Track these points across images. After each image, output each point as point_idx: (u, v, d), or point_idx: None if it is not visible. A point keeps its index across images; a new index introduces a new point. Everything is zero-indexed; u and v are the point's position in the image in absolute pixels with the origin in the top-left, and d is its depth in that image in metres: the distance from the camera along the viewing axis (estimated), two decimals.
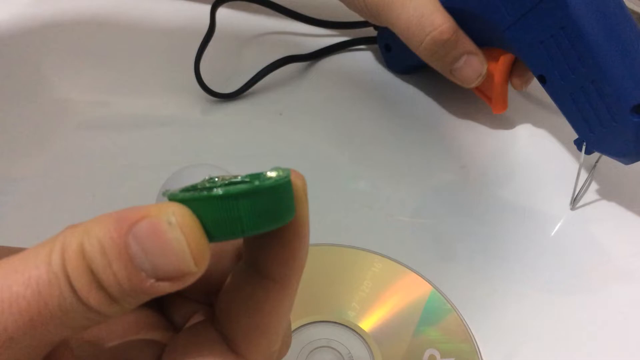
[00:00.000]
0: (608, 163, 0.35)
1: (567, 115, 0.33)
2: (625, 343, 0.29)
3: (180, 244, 0.14)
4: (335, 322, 0.27)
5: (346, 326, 0.27)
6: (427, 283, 0.30)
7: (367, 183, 0.36)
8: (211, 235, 0.15)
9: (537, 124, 0.40)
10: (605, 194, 0.36)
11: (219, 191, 0.14)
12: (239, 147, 0.38)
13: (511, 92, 0.39)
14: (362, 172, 0.37)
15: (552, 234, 0.34)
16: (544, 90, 0.34)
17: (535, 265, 0.32)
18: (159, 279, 0.14)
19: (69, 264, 0.13)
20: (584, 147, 0.33)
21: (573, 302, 0.30)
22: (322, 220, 0.32)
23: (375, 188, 0.36)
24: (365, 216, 0.34)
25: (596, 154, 0.35)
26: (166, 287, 0.14)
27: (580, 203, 0.35)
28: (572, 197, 0.34)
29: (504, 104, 0.38)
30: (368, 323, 0.28)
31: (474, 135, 0.40)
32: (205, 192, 0.14)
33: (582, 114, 0.32)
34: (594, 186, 0.36)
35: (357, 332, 0.27)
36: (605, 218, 0.34)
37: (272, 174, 0.16)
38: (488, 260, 0.32)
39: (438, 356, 0.27)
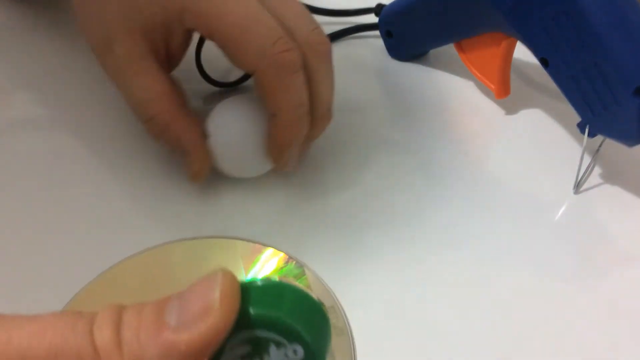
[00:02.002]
0: (611, 147, 0.35)
1: (570, 99, 0.33)
2: (631, 327, 0.28)
3: None
4: None
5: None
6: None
7: (368, 170, 0.36)
8: None
9: (540, 108, 0.40)
10: (609, 177, 0.35)
11: None
12: None
13: (513, 78, 0.39)
14: (363, 160, 0.36)
15: (556, 218, 0.34)
16: (546, 75, 0.34)
17: (539, 250, 0.32)
18: None
19: None
20: (587, 131, 0.33)
21: (578, 286, 0.30)
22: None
23: (378, 176, 0.35)
24: (370, 205, 0.34)
25: (599, 138, 0.35)
26: None
27: (584, 187, 0.35)
28: (576, 181, 0.34)
29: (506, 89, 0.38)
30: None
31: (476, 121, 0.40)
32: None
33: (585, 96, 0.32)
34: (597, 170, 0.36)
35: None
36: (609, 202, 0.34)
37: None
38: (491, 247, 0.32)
39: None
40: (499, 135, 0.39)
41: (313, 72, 0.29)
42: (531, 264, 0.31)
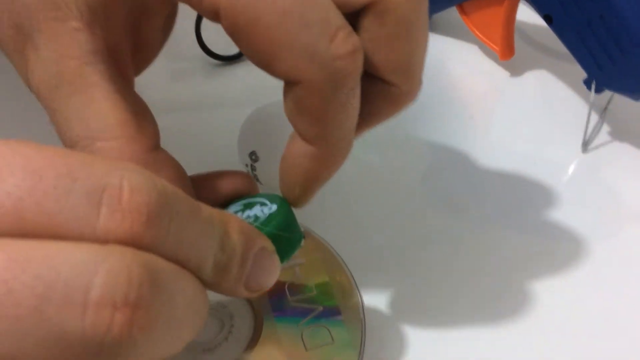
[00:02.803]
0: (619, 104, 0.34)
1: (575, 54, 0.32)
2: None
3: (276, 271, 0.17)
4: None
5: None
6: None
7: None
8: None
9: (545, 69, 0.39)
10: (618, 135, 0.35)
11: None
12: (246, 108, 0.37)
13: (517, 39, 0.38)
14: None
15: (565, 178, 0.33)
16: (550, 36, 0.33)
17: (548, 210, 0.31)
18: (247, 288, 0.16)
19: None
20: (593, 87, 0.32)
21: (590, 246, 0.30)
22: None
23: (382, 141, 0.35)
24: (374, 169, 0.34)
25: (607, 96, 0.34)
26: (243, 295, 0.16)
27: (593, 145, 0.34)
28: (584, 139, 0.34)
29: (510, 49, 0.37)
30: None
31: (482, 84, 0.39)
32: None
33: (591, 51, 0.31)
34: (605, 128, 0.35)
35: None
36: (618, 159, 0.34)
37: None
38: (499, 208, 0.31)
39: None
40: (505, 97, 0.38)
41: (395, 28, 0.18)
42: (540, 224, 0.31)
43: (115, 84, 0.18)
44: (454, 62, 0.40)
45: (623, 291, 0.28)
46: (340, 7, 0.16)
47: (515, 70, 0.39)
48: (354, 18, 0.17)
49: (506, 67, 0.39)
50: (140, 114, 0.18)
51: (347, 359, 0.24)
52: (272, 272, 0.17)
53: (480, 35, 0.38)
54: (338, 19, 0.16)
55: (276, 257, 0.17)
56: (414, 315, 0.26)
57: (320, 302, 0.26)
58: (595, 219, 0.31)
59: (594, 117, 0.35)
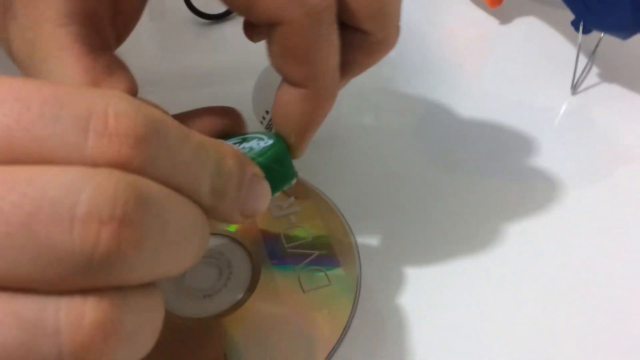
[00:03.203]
0: (608, 46, 0.34)
1: None
2: (637, 227, 0.29)
3: (267, 198, 0.17)
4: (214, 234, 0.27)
5: (226, 236, 0.27)
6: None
7: (362, 85, 0.36)
8: None
9: (534, 15, 0.39)
10: (607, 76, 0.35)
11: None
12: (237, 67, 0.37)
13: None
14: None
15: (555, 120, 0.33)
16: None
17: (540, 155, 0.32)
18: (242, 213, 0.16)
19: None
20: (581, 27, 0.32)
21: (582, 188, 0.30)
22: None
23: (363, 94, 0.35)
24: (364, 119, 0.34)
25: (596, 38, 0.34)
26: (238, 220, 0.16)
27: (582, 87, 0.35)
28: (572, 81, 0.34)
29: None
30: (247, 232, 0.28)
31: (471, 32, 0.39)
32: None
33: None
34: (595, 70, 0.35)
35: (236, 241, 0.27)
36: (607, 100, 0.34)
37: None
38: (491, 156, 0.32)
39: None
40: (495, 45, 0.38)
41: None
42: (532, 168, 0.31)
43: (89, 46, 0.18)
44: (444, 12, 0.40)
45: (613, 232, 0.28)
46: None
47: (505, 18, 0.39)
48: None
49: (495, 15, 0.39)
50: (115, 75, 0.18)
51: (344, 299, 0.25)
52: (265, 198, 0.17)
53: None
54: None
55: (267, 184, 0.17)
56: (407, 258, 0.27)
57: (316, 248, 0.27)
58: (585, 159, 0.32)
59: (583, 60, 0.35)
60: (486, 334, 0.24)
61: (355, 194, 0.30)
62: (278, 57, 0.19)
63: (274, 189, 0.19)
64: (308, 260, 0.26)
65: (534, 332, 0.24)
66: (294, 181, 0.21)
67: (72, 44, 0.17)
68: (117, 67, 0.19)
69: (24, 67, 0.18)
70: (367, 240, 0.28)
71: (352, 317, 0.25)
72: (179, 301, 0.25)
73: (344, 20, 0.19)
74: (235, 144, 0.21)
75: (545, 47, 0.37)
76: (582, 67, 0.35)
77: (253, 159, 0.19)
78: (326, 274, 0.26)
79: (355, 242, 0.27)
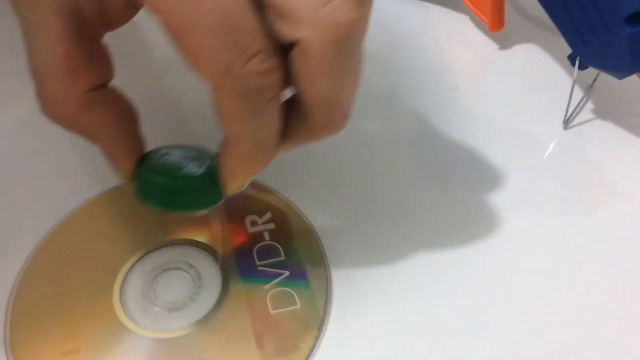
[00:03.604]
0: (606, 83, 0.34)
1: (561, 28, 0.32)
2: (620, 263, 0.28)
3: None
4: (182, 244, 0.28)
5: (197, 247, 0.27)
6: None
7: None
8: None
9: (534, 42, 0.38)
10: (602, 114, 0.35)
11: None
12: None
13: (509, 10, 0.38)
14: None
15: (545, 154, 0.33)
16: (541, 8, 0.32)
17: (527, 186, 0.31)
18: None
19: None
20: (577, 63, 0.32)
21: (567, 222, 0.30)
22: None
23: (363, 109, 0.35)
24: (351, 135, 0.34)
25: (593, 73, 0.34)
26: None
27: (575, 123, 0.34)
28: (565, 115, 0.34)
29: (500, 21, 0.37)
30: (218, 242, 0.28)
31: (469, 55, 0.39)
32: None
33: (576, 26, 0.31)
34: (590, 106, 0.35)
35: (208, 253, 0.27)
36: (600, 138, 0.34)
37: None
38: (480, 182, 0.31)
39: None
40: (492, 69, 0.38)
41: (315, 67, 0.19)
42: (518, 198, 0.31)
43: (74, 35, 0.21)
44: (443, 32, 0.39)
45: (596, 270, 0.28)
46: (273, 37, 0.18)
47: (504, 43, 0.38)
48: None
49: (495, 39, 0.38)
50: (93, 64, 0.21)
51: (310, 322, 0.25)
52: None
53: (470, 5, 0.38)
54: (260, 45, 0.18)
55: None
56: (381, 286, 0.27)
57: (287, 267, 0.27)
58: (572, 195, 0.31)
59: (579, 94, 0.35)
60: (460, 347, 0.24)
61: (333, 211, 0.29)
62: (215, 110, 0.19)
63: (199, 205, 0.22)
64: (279, 279, 0.26)
65: (510, 331, 0.24)
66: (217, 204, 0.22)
67: (59, 31, 0.20)
68: (98, 57, 0.22)
69: (22, 30, 0.21)
70: (341, 263, 0.27)
71: (320, 339, 0.25)
72: (143, 314, 0.25)
73: (295, 95, 0.20)
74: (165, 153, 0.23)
75: (542, 77, 0.37)
76: (577, 101, 0.34)
77: (192, 172, 0.22)
78: (295, 295, 0.26)
79: (328, 265, 0.27)
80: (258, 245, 0.27)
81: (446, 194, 0.31)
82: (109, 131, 0.22)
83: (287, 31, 0.18)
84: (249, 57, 0.18)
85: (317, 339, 0.25)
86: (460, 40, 0.39)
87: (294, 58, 0.19)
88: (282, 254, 0.27)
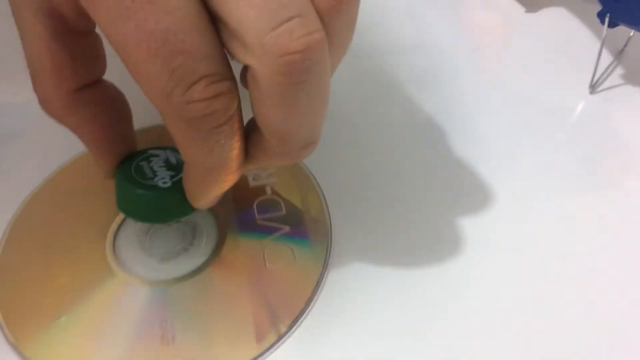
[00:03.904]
0: (636, 48, 0.32)
1: None
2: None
3: None
4: None
5: None
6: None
7: (379, 69, 0.34)
8: None
9: (563, 6, 0.36)
10: (631, 79, 0.32)
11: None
12: None
13: None
14: (372, 59, 0.34)
15: (571, 119, 0.31)
16: None
17: (549, 152, 0.29)
18: None
19: None
20: (607, 20, 0.30)
21: (591, 191, 0.28)
22: None
23: (386, 77, 0.33)
24: (376, 105, 0.32)
25: (623, 37, 0.32)
26: None
27: (603, 87, 0.32)
28: (592, 79, 0.32)
29: None
30: None
31: (495, 18, 0.37)
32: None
33: None
34: (619, 71, 0.33)
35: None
36: (627, 103, 0.32)
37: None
38: (501, 146, 0.30)
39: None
40: (516, 32, 0.36)
41: (263, 96, 0.17)
42: (538, 165, 0.29)
43: (56, 33, 0.20)
44: None
45: (619, 240, 0.26)
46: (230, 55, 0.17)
47: (531, 5, 0.36)
48: None
49: (522, 1, 0.37)
50: (78, 58, 0.21)
51: (307, 279, 0.24)
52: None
53: None
54: (206, 69, 0.16)
55: None
56: (381, 248, 0.25)
57: (287, 223, 0.26)
58: (596, 162, 0.29)
59: (608, 59, 0.33)
60: (454, 319, 0.23)
61: (340, 176, 0.28)
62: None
63: (164, 216, 0.23)
64: (277, 234, 0.25)
65: (509, 308, 0.22)
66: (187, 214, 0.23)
67: (40, 31, 0.20)
68: (84, 54, 0.21)
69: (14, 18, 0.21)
70: (342, 223, 0.26)
71: (315, 298, 0.23)
72: (136, 262, 0.24)
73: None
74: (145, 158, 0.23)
75: (569, 41, 0.35)
76: (606, 65, 0.32)
77: (160, 184, 0.22)
78: (292, 251, 0.25)
79: (330, 222, 0.26)
80: (259, 199, 0.26)
81: (461, 161, 0.29)
82: (91, 134, 0.22)
83: (238, 54, 0.17)
84: (190, 83, 0.16)
85: (312, 297, 0.23)
86: (486, 3, 0.37)
87: (247, 80, 0.17)
88: (283, 209, 0.26)
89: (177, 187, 0.22)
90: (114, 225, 0.25)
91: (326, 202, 0.27)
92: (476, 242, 0.25)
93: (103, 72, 0.22)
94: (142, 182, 0.22)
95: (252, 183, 0.27)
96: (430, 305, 0.23)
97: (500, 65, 0.34)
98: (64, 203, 0.27)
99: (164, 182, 0.22)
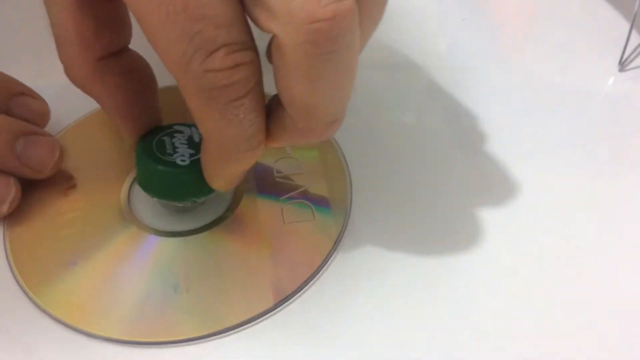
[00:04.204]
0: None
1: None
2: None
3: None
4: None
5: None
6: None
7: (399, 39, 0.33)
8: None
9: None
10: None
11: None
12: None
13: None
14: (390, 30, 0.34)
15: (596, 99, 0.30)
16: None
17: (573, 134, 0.29)
18: None
19: None
20: None
21: (614, 173, 0.27)
22: None
23: (407, 51, 0.33)
24: (397, 79, 0.32)
25: None
26: None
27: (633, 66, 0.31)
28: (622, 55, 0.31)
29: None
30: None
31: None
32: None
33: None
34: None
35: None
36: None
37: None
38: (529, 120, 0.29)
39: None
40: (544, 10, 0.35)
41: (289, 68, 0.16)
42: (562, 146, 0.28)
43: (82, 6, 0.20)
44: None
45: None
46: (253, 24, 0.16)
47: None
48: None
49: None
50: (104, 27, 0.20)
51: (324, 239, 0.23)
52: None
53: None
54: (227, 37, 0.16)
55: None
56: (401, 217, 0.25)
57: (306, 182, 0.25)
58: (621, 144, 0.28)
59: (638, 38, 0.32)
60: (470, 291, 0.22)
61: (364, 144, 0.27)
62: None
63: (181, 196, 0.22)
64: (295, 192, 0.25)
65: (523, 284, 0.22)
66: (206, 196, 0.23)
67: (69, 5, 0.20)
68: (110, 23, 0.21)
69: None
70: (363, 186, 0.25)
71: (333, 255, 0.23)
72: (151, 214, 0.24)
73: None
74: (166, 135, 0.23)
75: (601, 15, 0.34)
76: (637, 44, 0.31)
77: (179, 161, 0.21)
78: (312, 209, 0.24)
79: (351, 184, 0.25)
80: (278, 157, 0.26)
81: (487, 146, 0.28)
82: (114, 104, 0.22)
83: (262, 21, 0.16)
84: (210, 51, 0.16)
85: (328, 256, 0.23)
86: None
87: (272, 52, 0.17)
88: (302, 168, 0.26)
89: (195, 166, 0.21)
90: (131, 176, 0.25)
91: (347, 164, 0.26)
92: (501, 226, 0.25)
93: (128, 40, 0.22)
94: (160, 157, 0.21)
95: None
96: (444, 264, 0.23)
97: (526, 36, 0.33)
98: (84, 151, 0.26)
99: (182, 160, 0.21)
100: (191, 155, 0.22)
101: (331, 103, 0.18)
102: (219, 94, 0.16)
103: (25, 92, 0.26)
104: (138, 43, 0.21)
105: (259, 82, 0.17)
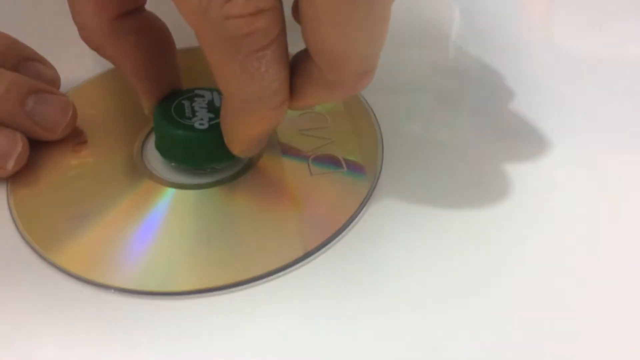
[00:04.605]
0: None
1: None
2: None
3: None
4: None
5: None
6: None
7: (418, 17, 0.32)
8: None
9: None
10: None
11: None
12: None
13: None
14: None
15: (628, 81, 0.28)
16: None
17: (606, 117, 0.26)
18: None
19: None
20: None
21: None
22: None
23: (429, 27, 0.31)
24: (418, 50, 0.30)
25: None
26: None
27: None
28: None
29: None
30: None
31: None
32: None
33: None
34: None
35: None
36: None
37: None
38: (565, 99, 0.27)
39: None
40: None
41: (318, 12, 0.15)
42: (591, 135, 0.25)
43: None
44: None
45: None
46: None
47: None
48: None
49: None
50: (126, 20, 0.20)
51: (354, 190, 0.21)
52: None
53: None
54: None
55: None
56: (429, 178, 0.23)
57: (334, 136, 0.23)
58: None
59: None
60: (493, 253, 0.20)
61: (394, 101, 0.25)
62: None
63: (201, 161, 0.21)
64: (323, 145, 0.23)
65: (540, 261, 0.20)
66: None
67: None
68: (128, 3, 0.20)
69: None
70: (394, 143, 0.23)
71: (364, 206, 0.21)
72: (166, 170, 0.22)
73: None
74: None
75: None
76: None
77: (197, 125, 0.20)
78: (342, 159, 0.22)
79: (382, 141, 0.23)
80: (302, 113, 0.24)
81: (525, 112, 0.26)
82: (131, 66, 0.20)
83: None
84: None
85: (361, 205, 0.21)
86: None
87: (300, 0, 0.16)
88: (329, 121, 0.24)
89: (214, 131, 0.20)
90: (145, 131, 0.23)
91: (378, 122, 0.24)
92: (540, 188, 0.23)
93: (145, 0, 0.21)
94: (178, 121, 0.20)
95: None
96: (472, 225, 0.21)
97: (571, 19, 0.32)
98: (95, 108, 0.25)
99: (201, 124, 0.20)
100: (210, 119, 0.20)
101: (363, 51, 0.16)
102: (240, 43, 0.15)
103: (36, 58, 0.24)
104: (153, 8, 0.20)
105: (282, 33, 0.16)
